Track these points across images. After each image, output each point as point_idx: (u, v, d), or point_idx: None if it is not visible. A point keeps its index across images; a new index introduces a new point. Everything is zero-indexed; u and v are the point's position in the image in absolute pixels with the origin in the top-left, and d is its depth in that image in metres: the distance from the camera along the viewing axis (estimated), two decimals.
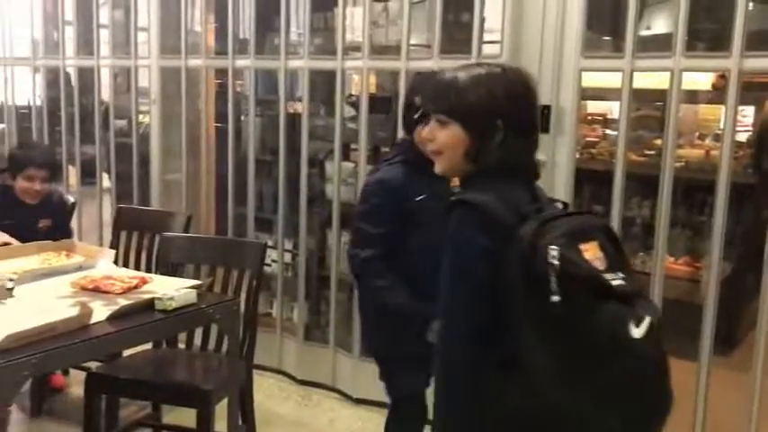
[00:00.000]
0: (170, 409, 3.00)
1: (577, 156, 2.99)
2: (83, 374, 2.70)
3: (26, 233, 3.09)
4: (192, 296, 2.38)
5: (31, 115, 4.73)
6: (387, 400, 2.32)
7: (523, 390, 1.30)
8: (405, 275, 2.06)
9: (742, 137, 4.02)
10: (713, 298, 2.66)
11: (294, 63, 3.59)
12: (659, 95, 3.33)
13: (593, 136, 4.60)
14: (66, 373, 3.51)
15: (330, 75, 3.50)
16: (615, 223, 2.81)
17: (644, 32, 3.08)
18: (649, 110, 4.27)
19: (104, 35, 4.27)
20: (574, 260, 1.27)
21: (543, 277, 1.25)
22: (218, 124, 4.07)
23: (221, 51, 3.86)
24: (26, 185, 3.20)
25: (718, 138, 3.91)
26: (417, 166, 2.00)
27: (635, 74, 2.73)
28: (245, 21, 3.83)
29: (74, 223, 3.72)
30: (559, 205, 1.49)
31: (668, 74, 2.67)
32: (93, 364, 2.76)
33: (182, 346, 2.96)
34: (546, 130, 2.85)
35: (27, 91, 4.79)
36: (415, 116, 2.01)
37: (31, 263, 2.75)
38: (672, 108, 2.68)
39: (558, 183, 2.88)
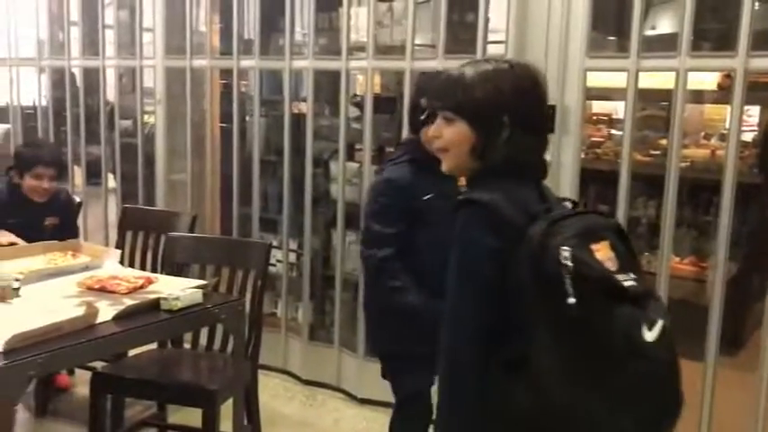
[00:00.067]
0: (175, 408, 3.00)
1: (582, 156, 2.99)
2: (88, 374, 2.71)
3: (33, 231, 3.10)
4: (197, 296, 2.38)
5: (37, 116, 4.74)
6: (391, 399, 2.32)
7: (534, 390, 1.28)
8: (413, 273, 2.06)
9: (747, 137, 4.01)
10: (719, 298, 2.65)
11: (299, 63, 3.59)
12: (664, 95, 3.32)
13: (599, 136, 4.59)
14: (71, 372, 3.52)
15: (335, 75, 3.51)
16: (621, 223, 2.81)
17: (649, 32, 3.08)
18: (654, 110, 4.26)
19: (110, 35, 4.28)
20: (587, 261, 1.26)
21: (556, 278, 1.23)
22: (223, 124, 4.07)
23: (226, 52, 3.86)
24: (35, 184, 3.20)
25: (723, 137, 3.90)
26: (424, 165, 2.00)
27: (640, 74, 2.72)
28: (249, 21, 3.83)
29: (79, 223, 3.72)
30: (568, 204, 1.47)
31: (673, 74, 2.67)
32: (99, 364, 2.77)
33: (187, 346, 2.97)
34: (551, 130, 2.84)
35: (32, 91, 4.81)
36: (422, 117, 2.01)
37: (37, 263, 2.76)
38: (677, 108, 2.68)
39: (563, 183, 2.88)
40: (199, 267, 2.94)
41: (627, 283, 1.28)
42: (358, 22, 3.40)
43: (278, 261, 3.76)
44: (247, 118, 3.98)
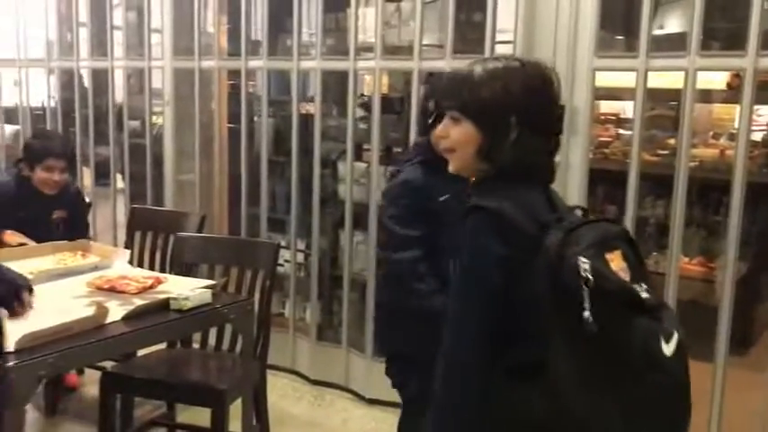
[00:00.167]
0: (184, 408, 3.01)
1: (590, 156, 2.98)
2: (98, 374, 2.72)
3: (40, 225, 3.08)
4: (206, 296, 2.39)
5: (46, 116, 4.76)
6: (399, 400, 2.32)
7: (550, 397, 1.26)
8: (437, 276, 2.05)
9: (757, 136, 3.99)
10: (728, 298, 2.64)
11: (306, 64, 3.60)
12: (673, 95, 3.31)
13: (607, 136, 4.58)
14: (81, 372, 3.53)
15: (342, 75, 3.51)
16: (629, 223, 2.80)
17: (657, 32, 3.06)
18: (663, 109, 4.25)
19: (118, 37, 4.30)
20: (606, 274, 1.24)
21: (574, 291, 1.21)
22: (231, 125, 4.08)
23: (234, 52, 3.87)
24: (45, 176, 3.14)
25: (732, 137, 3.88)
26: (435, 166, 2.00)
27: (649, 73, 2.71)
28: (257, 22, 3.84)
29: (88, 221, 3.73)
30: (578, 212, 1.44)
31: (682, 73, 2.66)
32: (108, 364, 2.78)
33: (196, 345, 2.98)
34: (562, 130, 2.83)
35: (41, 92, 4.83)
36: (430, 120, 2.01)
37: (46, 263, 2.78)
38: (686, 107, 2.67)
39: (571, 183, 2.88)
40: (207, 267, 2.95)
41: (643, 295, 1.27)
42: (366, 23, 3.41)
43: (286, 261, 3.76)
44: (255, 118, 3.99)
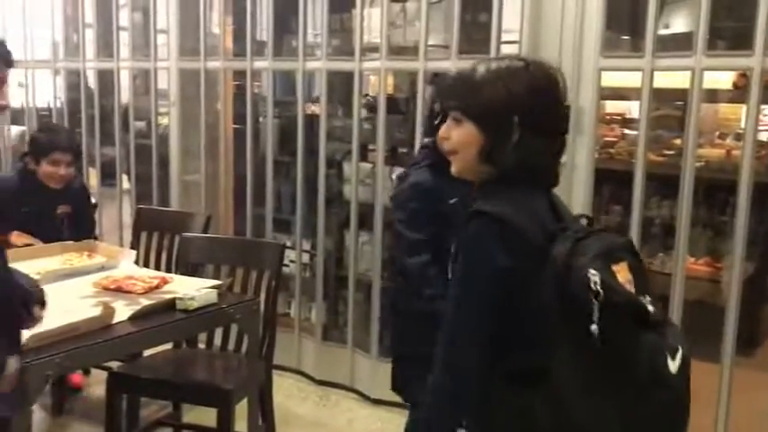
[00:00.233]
0: (190, 408, 3.02)
1: (596, 156, 2.98)
2: (104, 374, 2.73)
3: (45, 220, 3.06)
4: (212, 296, 2.40)
5: (52, 117, 4.77)
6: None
7: (551, 406, 1.25)
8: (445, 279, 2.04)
9: (764, 136, 3.97)
10: (735, 298, 2.64)
11: (312, 64, 3.60)
12: (679, 95, 3.30)
13: (612, 136, 4.56)
14: (87, 372, 3.54)
15: (348, 76, 3.51)
16: (635, 223, 2.80)
17: (663, 31, 3.06)
18: (669, 109, 4.24)
19: (124, 37, 4.31)
20: (615, 287, 1.22)
21: (582, 303, 1.19)
22: (237, 125, 4.09)
23: (239, 53, 3.88)
24: (51, 170, 3.11)
25: (739, 137, 3.87)
26: (443, 168, 1.99)
27: (654, 73, 2.71)
28: (262, 23, 3.85)
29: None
30: (583, 221, 1.40)
31: (688, 73, 2.65)
32: (114, 364, 2.79)
33: (201, 346, 2.98)
34: (567, 131, 2.83)
35: (48, 93, 4.85)
36: (436, 122, 2.00)
37: (53, 263, 2.78)
38: (693, 107, 2.66)
39: (577, 183, 2.87)
40: (213, 268, 2.95)
41: (650, 308, 1.25)
42: (371, 23, 3.41)
43: (291, 261, 3.77)
44: (261, 119, 3.99)
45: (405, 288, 2.20)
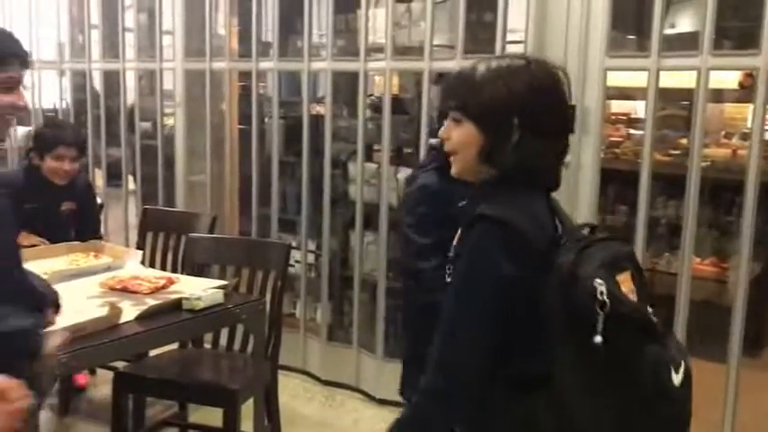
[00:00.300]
0: (196, 408, 3.02)
1: (601, 156, 2.97)
2: (110, 374, 2.74)
3: (49, 216, 3.05)
4: (218, 296, 2.40)
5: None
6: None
7: (553, 412, 1.23)
8: None
9: None
10: (742, 298, 2.63)
11: (317, 65, 3.60)
12: (685, 94, 3.29)
13: (617, 136, 4.56)
14: (93, 372, 3.55)
15: (353, 76, 3.51)
16: (641, 223, 2.80)
17: (669, 31, 3.05)
18: (674, 109, 4.23)
19: (129, 38, 4.32)
20: (621, 298, 1.19)
21: (587, 312, 1.17)
22: (242, 126, 4.09)
23: (245, 54, 3.89)
24: (56, 165, 3.07)
25: (745, 137, 3.86)
26: (447, 170, 1.99)
27: (660, 73, 2.70)
28: (268, 23, 3.86)
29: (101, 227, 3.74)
30: (585, 229, 1.36)
31: (694, 73, 2.65)
32: (120, 364, 2.79)
33: (207, 346, 2.99)
34: (571, 131, 2.83)
35: (53, 94, 4.86)
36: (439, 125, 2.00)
37: (59, 264, 2.79)
38: (699, 107, 2.66)
39: (582, 183, 2.87)
40: (219, 268, 2.96)
41: (654, 319, 1.24)
42: (376, 23, 3.41)
43: (296, 262, 3.77)
44: (266, 119, 4.00)
45: (416, 291, 2.19)
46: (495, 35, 3.02)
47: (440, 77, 3.14)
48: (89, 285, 2.55)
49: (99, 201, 3.76)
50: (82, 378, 3.48)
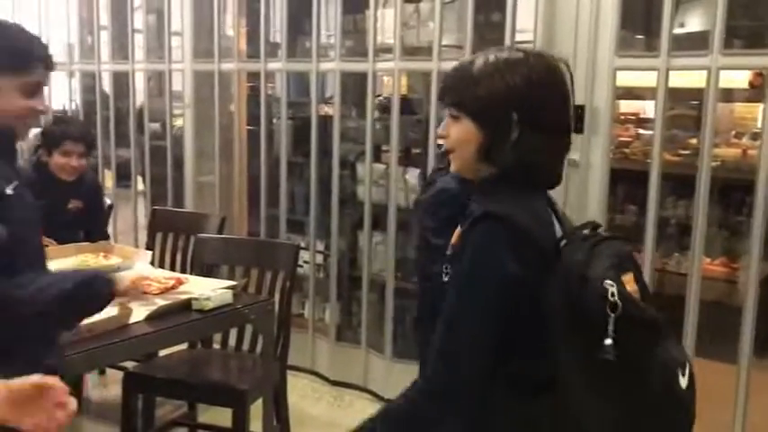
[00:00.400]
0: (205, 408, 3.03)
1: (611, 155, 2.96)
2: (119, 374, 2.74)
3: (55, 214, 3.03)
4: (227, 296, 2.41)
5: None
6: None
7: (558, 415, 1.21)
8: None
9: None
10: (752, 299, 2.62)
11: (325, 65, 3.61)
12: (694, 94, 3.28)
13: (626, 135, 4.54)
14: (102, 372, 3.56)
15: (361, 77, 3.52)
16: (651, 223, 2.79)
17: (678, 30, 3.04)
18: (683, 109, 4.21)
19: (138, 40, 4.34)
20: (632, 299, 1.16)
21: (597, 314, 1.14)
22: (251, 127, 4.10)
23: (253, 55, 3.89)
24: (63, 161, 3.06)
25: (755, 136, 3.85)
26: None
27: (670, 72, 2.69)
28: (276, 24, 3.86)
29: (109, 228, 3.75)
30: (585, 229, 1.31)
31: (703, 72, 2.64)
32: (130, 364, 2.80)
33: (216, 346, 3.00)
34: (580, 130, 2.83)
35: (63, 95, 4.88)
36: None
37: (69, 264, 2.80)
38: (709, 107, 2.64)
39: (592, 183, 2.86)
40: (228, 268, 2.96)
41: (661, 320, 1.21)
42: (384, 24, 3.41)
43: (305, 262, 3.77)
44: (274, 120, 4.01)
45: (428, 295, 2.18)
46: (504, 35, 3.01)
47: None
48: None
49: (108, 201, 3.77)
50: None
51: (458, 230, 1.32)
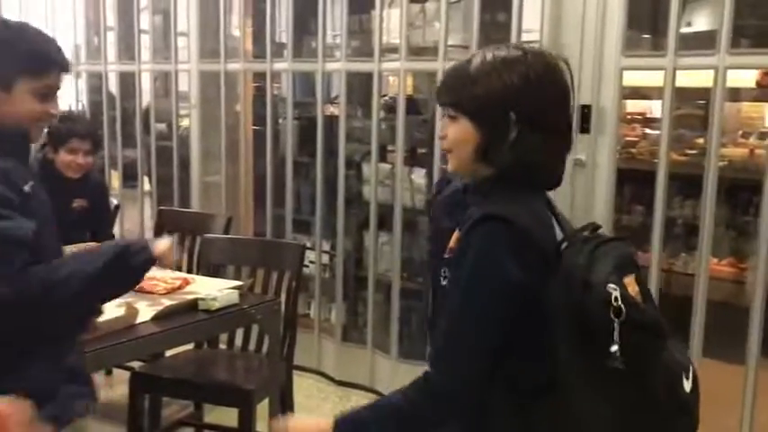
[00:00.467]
0: (212, 408, 3.03)
1: (617, 155, 2.96)
2: (126, 374, 2.75)
3: (60, 213, 3.04)
4: (234, 296, 2.41)
5: None
6: None
7: (559, 423, 1.19)
8: None
9: None
10: (760, 299, 2.60)
11: (331, 65, 3.61)
12: (701, 94, 3.26)
13: (633, 135, 4.53)
14: (109, 372, 3.57)
15: (367, 77, 3.52)
16: (658, 224, 2.78)
17: (685, 29, 3.03)
18: (689, 108, 4.20)
19: (145, 40, 4.34)
20: (637, 304, 1.14)
21: (601, 320, 1.11)
22: (257, 127, 4.11)
23: (259, 55, 3.90)
24: (69, 158, 3.02)
25: (763, 136, 3.83)
26: None
27: (677, 72, 2.68)
28: (282, 24, 3.86)
29: (116, 228, 3.76)
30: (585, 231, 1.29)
31: (710, 72, 2.63)
32: (136, 364, 2.81)
33: (222, 346, 3.00)
34: (586, 130, 2.82)
35: (69, 96, 4.89)
36: None
37: None
38: (716, 106, 2.63)
39: (598, 183, 2.85)
40: (234, 268, 2.97)
41: (665, 323, 1.20)
42: (390, 24, 3.41)
43: (311, 262, 3.78)
44: (280, 120, 4.01)
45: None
46: (510, 35, 3.01)
47: None
48: None
49: (115, 202, 3.78)
50: None
51: (456, 233, 1.30)
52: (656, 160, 2.82)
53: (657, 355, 1.17)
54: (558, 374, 1.17)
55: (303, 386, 3.55)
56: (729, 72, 2.62)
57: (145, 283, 2.52)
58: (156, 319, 2.23)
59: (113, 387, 3.52)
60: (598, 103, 2.81)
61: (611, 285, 1.12)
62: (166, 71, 4.28)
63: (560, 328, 1.16)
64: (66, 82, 4.98)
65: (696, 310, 2.70)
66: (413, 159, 3.58)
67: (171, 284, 2.53)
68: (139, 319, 2.20)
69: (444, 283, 1.30)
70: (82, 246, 2.97)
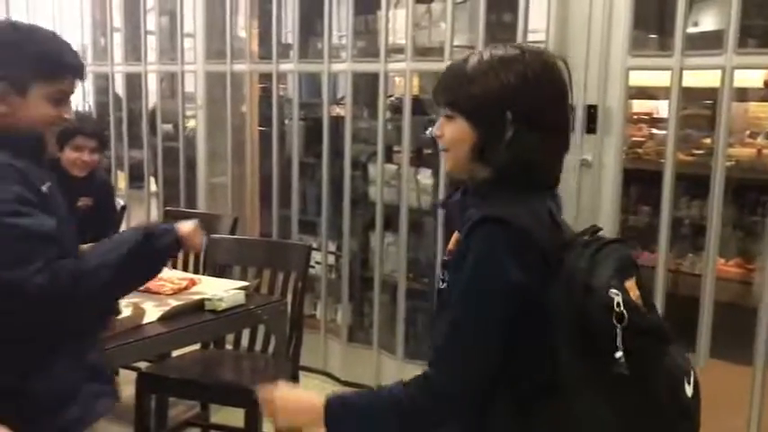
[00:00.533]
0: (218, 408, 3.04)
1: (624, 156, 2.95)
2: (133, 374, 2.75)
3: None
4: (240, 297, 2.41)
5: None
6: None
7: (560, 428, 1.18)
8: None
9: None
10: None
11: (337, 66, 3.61)
12: (708, 93, 3.25)
13: (640, 135, 4.51)
14: (116, 372, 3.57)
15: (373, 77, 3.52)
16: (665, 224, 2.77)
17: (692, 29, 3.02)
18: (696, 108, 4.19)
19: (151, 41, 4.36)
20: (639, 309, 1.13)
21: (603, 325, 1.11)
22: (263, 128, 4.12)
23: (265, 56, 3.90)
24: (74, 156, 3.01)
25: None
26: None
27: (683, 72, 2.68)
28: (288, 25, 3.87)
29: (122, 229, 3.76)
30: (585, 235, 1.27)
31: (717, 72, 2.62)
32: (143, 364, 2.81)
33: (229, 347, 3.00)
34: (593, 130, 2.82)
35: (76, 97, 4.91)
36: None
37: None
38: (723, 106, 2.63)
39: (605, 183, 2.85)
40: (240, 269, 2.97)
41: (666, 327, 1.19)
42: (396, 24, 3.41)
43: (317, 263, 3.78)
44: (286, 121, 4.02)
45: None
46: (516, 35, 3.01)
47: None
48: None
49: (121, 203, 3.79)
50: None
51: (455, 235, 1.29)
52: (662, 160, 2.82)
53: (660, 359, 1.17)
54: (558, 377, 1.16)
55: (309, 386, 3.54)
56: (737, 72, 2.61)
57: (151, 284, 2.52)
58: (163, 319, 2.23)
59: (120, 387, 3.52)
60: (604, 103, 2.80)
61: (613, 291, 1.12)
62: (173, 72, 4.29)
63: (561, 331, 1.15)
64: None
65: (703, 311, 2.69)
66: (419, 160, 3.58)
67: (177, 285, 2.54)
68: (146, 320, 2.20)
69: (443, 286, 1.29)
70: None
